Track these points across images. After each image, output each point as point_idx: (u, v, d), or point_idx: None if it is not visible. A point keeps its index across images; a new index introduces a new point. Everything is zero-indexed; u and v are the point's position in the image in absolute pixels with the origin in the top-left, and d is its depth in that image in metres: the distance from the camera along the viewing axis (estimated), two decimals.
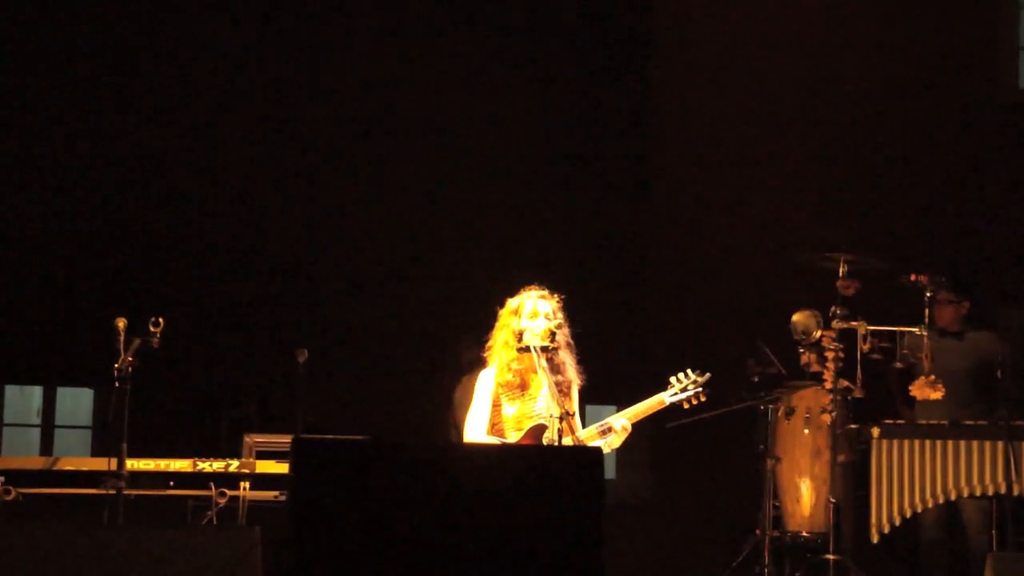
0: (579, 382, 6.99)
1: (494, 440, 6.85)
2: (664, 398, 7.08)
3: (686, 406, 7.16)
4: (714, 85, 11.27)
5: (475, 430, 6.91)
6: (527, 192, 10.86)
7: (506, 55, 11.02)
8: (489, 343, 7.08)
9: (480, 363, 8.87)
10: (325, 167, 10.73)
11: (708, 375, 7.14)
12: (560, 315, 6.95)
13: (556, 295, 7.03)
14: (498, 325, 7.06)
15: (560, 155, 11.02)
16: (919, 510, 8.22)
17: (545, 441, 6.73)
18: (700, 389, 7.12)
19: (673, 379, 7.12)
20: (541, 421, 6.83)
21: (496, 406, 6.95)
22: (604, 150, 11.12)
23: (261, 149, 10.64)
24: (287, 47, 10.79)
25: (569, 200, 10.95)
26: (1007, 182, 11.17)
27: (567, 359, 6.96)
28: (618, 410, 7.07)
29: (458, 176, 10.82)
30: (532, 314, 6.93)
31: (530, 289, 7.05)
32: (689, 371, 7.15)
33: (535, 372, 6.91)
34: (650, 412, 7.07)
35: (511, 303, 7.04)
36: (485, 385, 6.98)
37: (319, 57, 10.81)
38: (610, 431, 6.93)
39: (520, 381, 6.96)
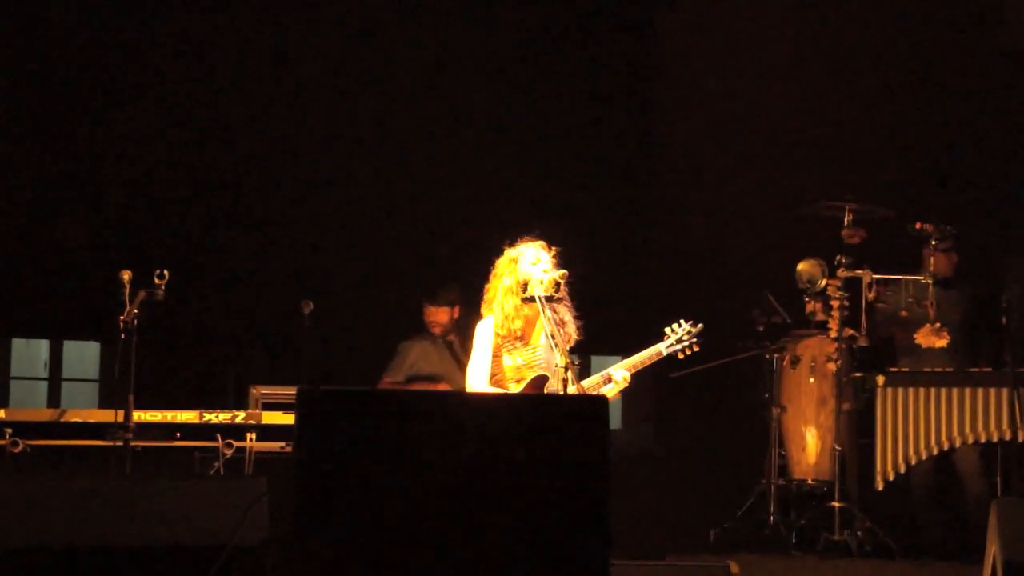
0: (576, 336, 7.01)
1: (495, 391, 6.86)
2: (661, 349, 7.17)
3: (681, 356, 7.25)
4: (717, 33, 11.21)
5: (477, 380, 6.92)
6: (530, 146, 10.84)
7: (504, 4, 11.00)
8: (487, 293, 7.09)
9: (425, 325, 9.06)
10: (331, 118, 10.70)
11: (701, 326, 7.24)
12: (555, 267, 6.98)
13: (552, 247, 7.05)
14: (496, 274, 7.07)
15: (560, 108, 10.99)
16: (924, 457, 8.25)
17: (547, 391, 6.75)
18: (694, 340, 7.21)
19: (668, 330, 7.22)
20: (542, 372, 6.85)
21: (495, 357, 6.96)
22: (605, 102, 11.09)
23: (266, 103, 10.61)
24: (291, 6, 10.75)
25: (571, 151, 10.93)
26: (1012, 130, 11.12)
27: (566, 313, 6.98)
28: (623, 357, 7.11)
29: (462, 129, 10.80)
30: (534, 261, 6.94)
31: (528, 240, 7.07)
32: (683, 322, 7.24)
33: (535, 323, 6.94)
34: (649, 362, 7.16)
35: (510, 253, 7.06)
36: (485, 335, 6.99)
37: (325, 19, 10.76)
38: (610, 381, 6.98)
39: (523, 331, 6.98)
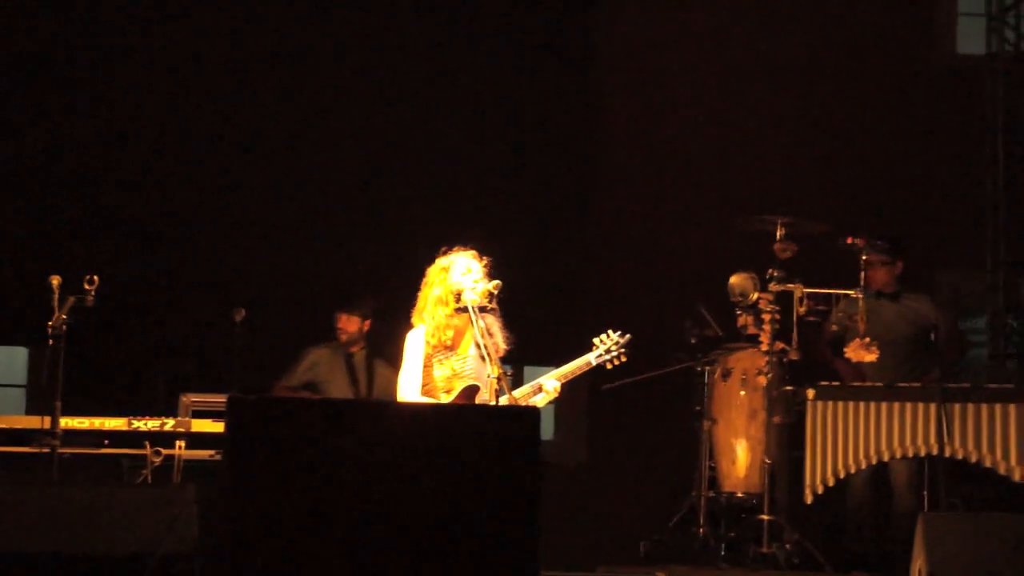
0: (504, 347, 7.01)
1: (427, 400, 6.85)
2: (591, 359, 7.21)
3: (609, 366, 7.29)
4: (656, 49, 11.26)
5: (409, 390, 6.90)
6: (467, 154, 10.83)
7: (449, 15, 10.98)
8: (418, 303, 7.08)
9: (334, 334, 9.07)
10: (266, 125, 10.66)
11: (629, 336, 7.28)
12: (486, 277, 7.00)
13: (483, 257, 7.06)
14: (427, 283, 7.06)
15: (501, 118, 10.99)
16: (853, 471, 8.27)
17: (478, 401, 6.75)
18: (623, 350, 7.25)
19: (597, 340, 7.26)
20: (473, 382, 6.85)
21: (425, 367, 6.95)
22: (545, 113, 11.09)
23: (200, 107, 10.55)
24: (234, 10, 10.69)
25: (508, 162, 10.93)
26: (943, 146, 11.24)
27: (495, 323, 6.98)
28: (553, 370, 7.13)
29: (401, 136, 10.78)
30: (465, 271, 6.95)
31: (461, 249, 7.08)
32: (611, 332, 7.28)
33: (464, 333, 6.94)
34: (579, 372, 7.20)
35: (441, 262, 7.06)
36: (416, 345, 6.97)
37: (265, 19, 10.72)
38: (540, 390, 7.00)
39: (451, 341, 6.98)
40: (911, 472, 8.70)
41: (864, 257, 8.58)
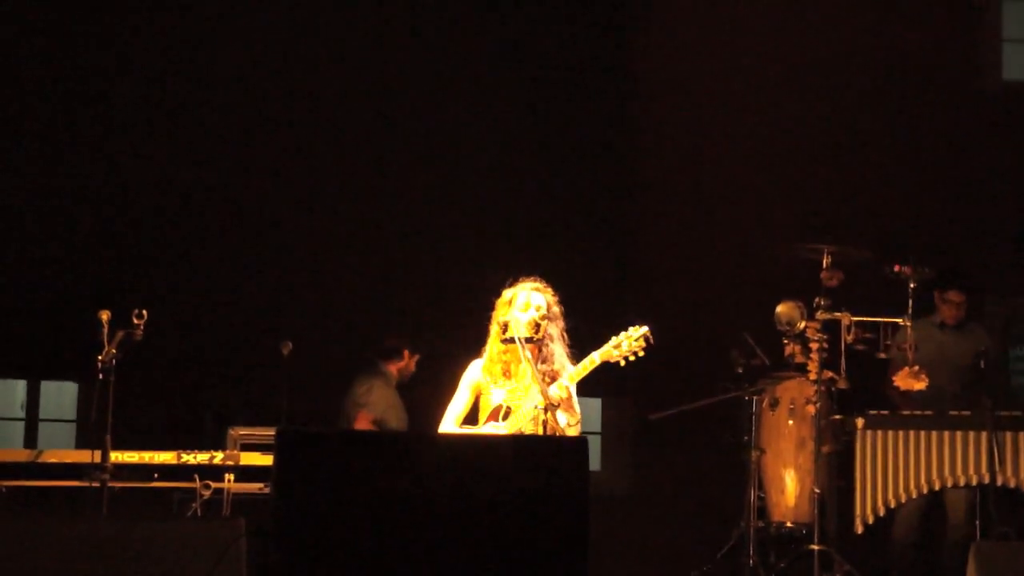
0: (569, 372, 6.95)
1: (462, 431, 6.86)
2: (595, 357, 6.81)
3: (623, 363, 6.82)
4: (697, 72, 11.25)
5: (447, 422, 6.95)
6: (512, 181, 10.85)
7: (486, 24, 11.01)
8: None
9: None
10: (310, 158, 10.71)
11: (645, 329, 6.80)
12: (555, 308, 6.96)
13: (551, 288, 7.02)
14: (493, 316, 7.04)
15: (544, 140, 10.99)
16: (903, 500, 8.24)
17: (514, 425, 6.74)
18: (636, 344, 6.79)
19: (613, 337, 6.84)
20: (508, 408, 6.83)
21: (483, 396, 6.96)
22: (588, 136, 11.10)
23: (244, 140, 10.61)
24: (271, 38, 10.74)
25: (554, 188, 10.94)
26: (990, 172, 11.19)
27: (556, 350, 6.94)
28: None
29: (444, 163, 10.80)
30: (524, 306, 6.92)
31: (526, 281, 7.04)
32: (630, 327, 6.86)
33: (521, 363, 6.92)
34: (587, 371, 6.81)
35: (506, 294, 7.02)
36: (468, 377, 7.00)
37: (306, 50, 10.77)
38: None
39: (505, 371, 6.96)
40: (968, 502, 8.65)
41: (913, 286, 8.56)
